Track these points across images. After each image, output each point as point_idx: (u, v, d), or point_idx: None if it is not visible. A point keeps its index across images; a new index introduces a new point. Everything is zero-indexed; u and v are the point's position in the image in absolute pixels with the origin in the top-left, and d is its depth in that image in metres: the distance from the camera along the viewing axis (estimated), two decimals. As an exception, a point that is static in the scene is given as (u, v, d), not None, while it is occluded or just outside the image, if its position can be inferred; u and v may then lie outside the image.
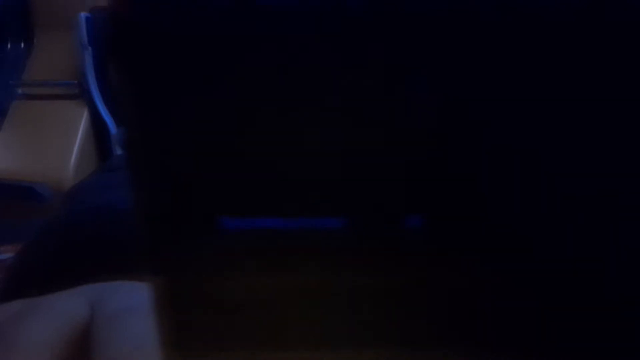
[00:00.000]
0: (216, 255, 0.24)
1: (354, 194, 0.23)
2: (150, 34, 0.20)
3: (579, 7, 0.20)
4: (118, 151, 1.04)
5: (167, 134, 0.21)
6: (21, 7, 1.17)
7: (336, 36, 0.20)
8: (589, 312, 0.24)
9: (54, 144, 1.04)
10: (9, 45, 1.17)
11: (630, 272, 0.23)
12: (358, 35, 0.20)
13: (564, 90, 0.21)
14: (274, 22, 0.20)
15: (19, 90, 1.10)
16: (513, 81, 0.21)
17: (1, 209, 1.01)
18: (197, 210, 0.23)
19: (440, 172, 0.23)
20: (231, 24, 0.20)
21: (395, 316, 0.25)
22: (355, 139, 0.22)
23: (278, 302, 0.25)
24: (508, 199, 0.23)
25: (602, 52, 0.21)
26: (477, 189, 0.23)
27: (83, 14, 1.06)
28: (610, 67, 0.21)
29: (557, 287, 0.24)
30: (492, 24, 0.20)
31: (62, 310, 0.28)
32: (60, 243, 0.41)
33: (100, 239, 0.40)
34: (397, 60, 0.21)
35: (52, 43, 1.15)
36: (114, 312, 0.28)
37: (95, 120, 1.06)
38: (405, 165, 0.23)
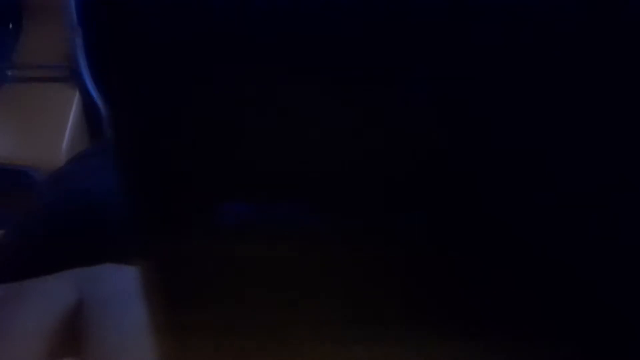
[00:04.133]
0: (208, 239, 0.23)
1: (354, 188, 0.22)
2: (144, 23, 0.19)
3: (574, 8, 0.19)
4: (108, 135, 1.03)
5: (158, 124, 0.21)
6: (9, -11, 1.16)
7: (324, 36, 0.20)
8: (584, 308, 0.23)
9: (46, 128, 1.03)
10: (-3, 28, 1.16)
11: (624, 269, 0.23)
12: (355, 35, 0.20)
13: (564, 89, 0.21)
14: (267, 20, 0.20)
15: (9, 74, 1.09)
16: (511, 81, 0.21)
17: (-6, 195, 1.00)
18: (188, 197, 0.22)
19: (438, 171, 0.22)
20: (225, 19, 0.20)
21: (392, 304, 0.24)
22: (354, 136, 0.21)
23: (270, 288, 0.24)
24: (506, 197, 0.22)
25: (600, 52, 0.20)
26: (475, 186, 0.22)
27: (72, -5, 1.04)
28: (609, 67, 0.20)
29: (553, 283, 0.23)
30: (492, 23, 0.20)
31: (50, 295, 0.28)
32: (44, 228, 0.40)
33: (86, 224, 0.39)
34: (397, 59, 0.20)
35: (42, 25, 1.13)
36: (105, 297, 0.27)
37: (87, 102, 1.05)
38: (405, 162, 0.22)
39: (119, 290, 0.28)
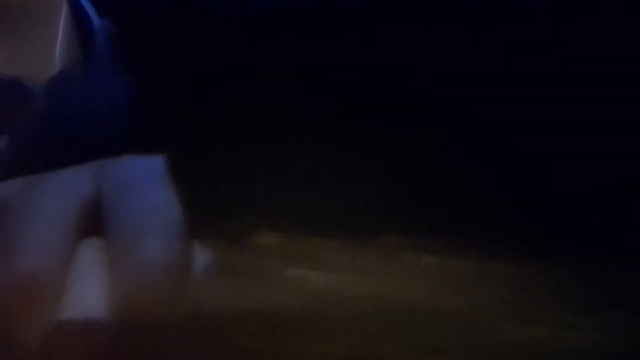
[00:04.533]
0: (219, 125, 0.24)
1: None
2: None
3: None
4: (101, 41, 1.02)
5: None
6: None
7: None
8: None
9: (36, 39, 1.02)
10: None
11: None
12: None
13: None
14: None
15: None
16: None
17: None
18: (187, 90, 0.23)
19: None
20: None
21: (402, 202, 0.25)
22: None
23: (284, 170, 0.25)
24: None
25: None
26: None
27: None
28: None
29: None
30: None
31: (68, 184, 0.29)
32: (49, 130, 0.41)
33: (90, 123, 0.40)
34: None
35: None
36: (120, 184, 0.29)
37: (76, 11, 1.04)
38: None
39: (134, 177, 0.29)
